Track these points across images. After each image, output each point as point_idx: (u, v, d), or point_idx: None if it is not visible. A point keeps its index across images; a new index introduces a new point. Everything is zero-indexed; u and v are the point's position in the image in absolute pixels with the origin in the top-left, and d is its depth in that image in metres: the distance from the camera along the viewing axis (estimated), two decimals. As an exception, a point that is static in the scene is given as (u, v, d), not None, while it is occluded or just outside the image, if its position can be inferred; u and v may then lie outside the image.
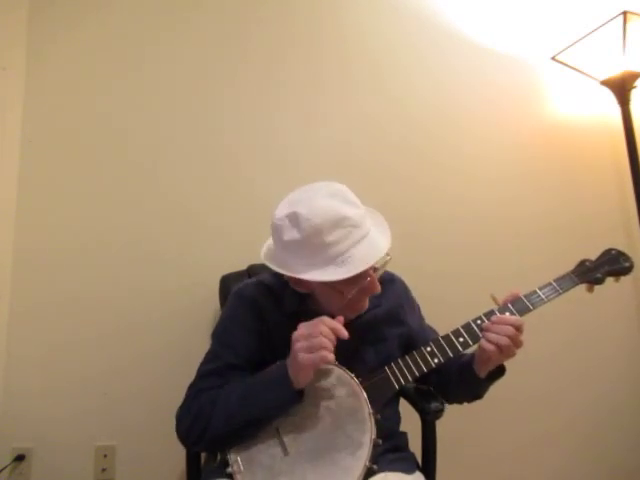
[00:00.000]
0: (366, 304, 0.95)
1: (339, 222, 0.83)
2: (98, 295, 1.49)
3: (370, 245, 0.85)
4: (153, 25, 1.65)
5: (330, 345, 0.78)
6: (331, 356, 0.78)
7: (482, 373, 0.90)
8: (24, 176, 1.53)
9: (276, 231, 0.88)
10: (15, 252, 1.49)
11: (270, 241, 0.95)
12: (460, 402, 1.03)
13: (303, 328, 0.81)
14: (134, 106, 1.60)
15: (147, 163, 1.58)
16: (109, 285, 1.50)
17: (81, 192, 1.54)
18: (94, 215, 1.53)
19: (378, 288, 0.90)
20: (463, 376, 0.95)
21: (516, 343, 0.84)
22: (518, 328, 0.85)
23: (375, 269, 0.88)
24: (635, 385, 1.70)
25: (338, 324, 0.81)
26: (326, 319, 0.82)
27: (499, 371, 0.91)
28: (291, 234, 0.84)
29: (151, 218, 1.55)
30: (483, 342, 0.85)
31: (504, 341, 0.83)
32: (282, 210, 0.87)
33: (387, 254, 0.87)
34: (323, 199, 0.85)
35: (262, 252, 0.94)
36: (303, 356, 0.78)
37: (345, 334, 0.80)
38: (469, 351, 0.93)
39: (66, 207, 1.53)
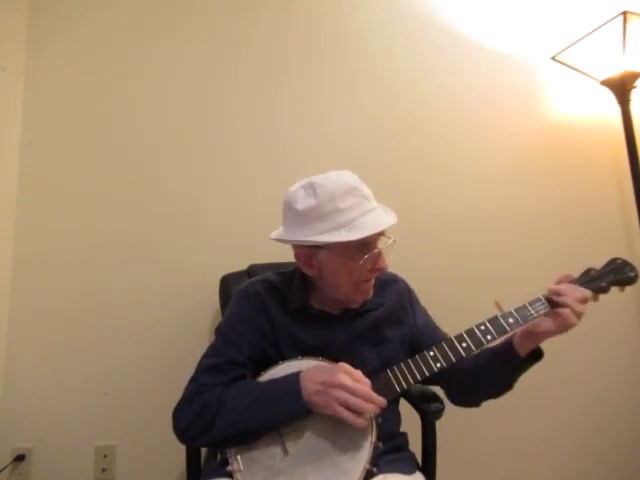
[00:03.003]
0: (371, 289, 0.96)
1: (351, 191, 0.88)
2: (98, 295, 1.49)
3: (379, 216, 0.90)
4: (153, 25, 1.65)
5: (367, 410, 0.79)
6: (360, 422, 0.78)
7: (524, 351, 0.87)
8: (24, 176, 1.53)
9: (290, 203, 0.91)
10: (15, 252, 1.49)
11: (280, 229, 0.97)
12: (485, 397, 0.97)
13: (348, 377, 0.81)
14: (134, 106, 1.60)
15: (147, 163, 1.58)
16: (109, 285, 1.50)
17: (81, 192, 1.54)
18: (94, 215, 1.53)
19: (386, 264, 0.92)
20: (497, 362, 0.91)
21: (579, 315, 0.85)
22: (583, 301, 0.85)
23: (383, 243, 0.91)
24: (635, 385, 1.70)
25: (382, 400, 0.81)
26: (368, 382, 0.82)
27: (537, 355, 0.90)
28: (306, 202, 0.88)
29: (151, 218, 1.55)
30: (561, 309, 0.83)
31: (579, 307, 0.83)
32: (296, 185, 0.94)
33: (391, 238, 0.91)
34: (336, 174, 0.93)
35: (272, 235, 0.97)
36: (335, 407, 0.79)
37: (383, 404, 0.81)
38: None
39: (66, 207, 1.53)
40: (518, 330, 0.89)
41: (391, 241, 0.92)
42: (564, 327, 0.84)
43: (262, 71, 1.67)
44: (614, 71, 1.62)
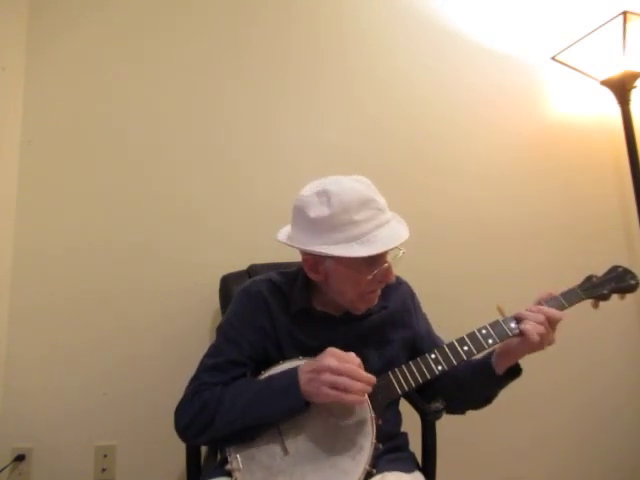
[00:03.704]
0: (376, 299, 0.95)
1: (367, 203, 0.86)
2: (98, 295, 1.49)
3: (392, 230, 0.88)
4: (153, 25, 1.65)
5: (355, 388, 0.79)
6: (350, 398, 0.78)
7: (501, 369, 0.90)
8: (24, 176, 1.53)
9: (302, 209, 0.88)
10: (15, 252, 1.49)
11: (286, 227, 0.96)
12: (467, 408, 1.01)
13: (334, 359, 0.81)
14: (134, 106, 1.60)
15: (147, 163, 1.58)
16: (109, 285, 1.50)
17: (81, 192, 1.54)
18: (94, 215, 1.53)
19: (393, 277, 0.91)
20: (477, 377, 0.94)
21: (548, 338, 0.86)
22: (552, 322, 0.86)
23: (392, 256, 0.90)
24: (635, 385, 1.70)
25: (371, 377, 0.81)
26: (357, 361, 0.82)
27: (515, 371, 0.92)
28: (319, 210, 0.85)
29: (151, 218, 1.55)
30: (528, 329, 0.85)
31: (539, 329, 0.84)
32: (309, 189, 0.90)
33: (402, 249, 0.89)
34: (351, 182, 0.89)
35: (279, 236, 0.96)
36: (325, 390, 0.79)
37: (372, 382, 0.81)
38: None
39: (66, 207, 1.53)
40: (496, 349, 0.90)
41: (401, 253, 0.90)
42: (531, 347, 0.86)
43: (262, 71, 1.67)
44: (614, 71, 1.62)
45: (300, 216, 0.89)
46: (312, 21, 1.73)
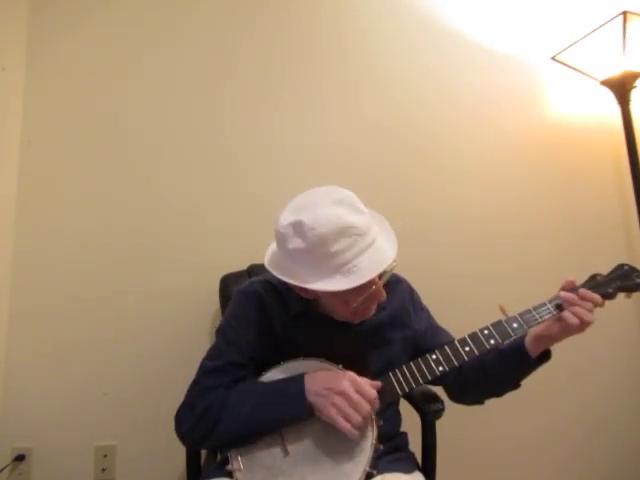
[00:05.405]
0: (372, 310, 0.93)
1: (344, 231, 0.81)
2: (98, 295, 1.49)
3: (376, 254, 0.83)
4: (153, 25, 1.65)
5: (355, 421, 0.79)
6: (347, 428, 0.79)
7: (535, 353, 0.87)
8: (24, 176, 1.53)
9: (280, 239, 0.86)
10: (15, 252, 1.49)
11: (274, 246, 0.93)
12: (491, 396, 0.97)
13: (351, 385, 0.81)
14: (134, 106, 1.60)
15: (147, 163, 1.58)
16: (109, 285, 1.50)
17: (81, 192, 1.54)
18: (94, 215, 1.53)
19: (383, 295, 0.89)
20: (508, 363, 0.91)
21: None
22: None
23: (380, 275, 0.86)
24: (635, 384, 1.70)
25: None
26: (373, 394, 0.82)
27: (545, 354, 0.89)
28: (296, 243, 0.82)
29: (151, 218, 1.55)
30: (568, 315, 0.83)
31: (589, 317, 0.82)
32: (286, 218, 0.85)
33: (393, 260, 0.85)
34: (328, 207, 0.83)
35: (266, 258, 0.92)
36: (333, 412, 0.80)
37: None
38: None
39: (66, 207, 1.53)
40: (531, 333, 0.88)
41: (395, 264, 0.85)
42: (571, 333, 0.85)
43: (262, 71, 1.67)
44: (614, 71, 1.62)
45: (281, 244, 0.87)
46: (312, 21, 1.72)
